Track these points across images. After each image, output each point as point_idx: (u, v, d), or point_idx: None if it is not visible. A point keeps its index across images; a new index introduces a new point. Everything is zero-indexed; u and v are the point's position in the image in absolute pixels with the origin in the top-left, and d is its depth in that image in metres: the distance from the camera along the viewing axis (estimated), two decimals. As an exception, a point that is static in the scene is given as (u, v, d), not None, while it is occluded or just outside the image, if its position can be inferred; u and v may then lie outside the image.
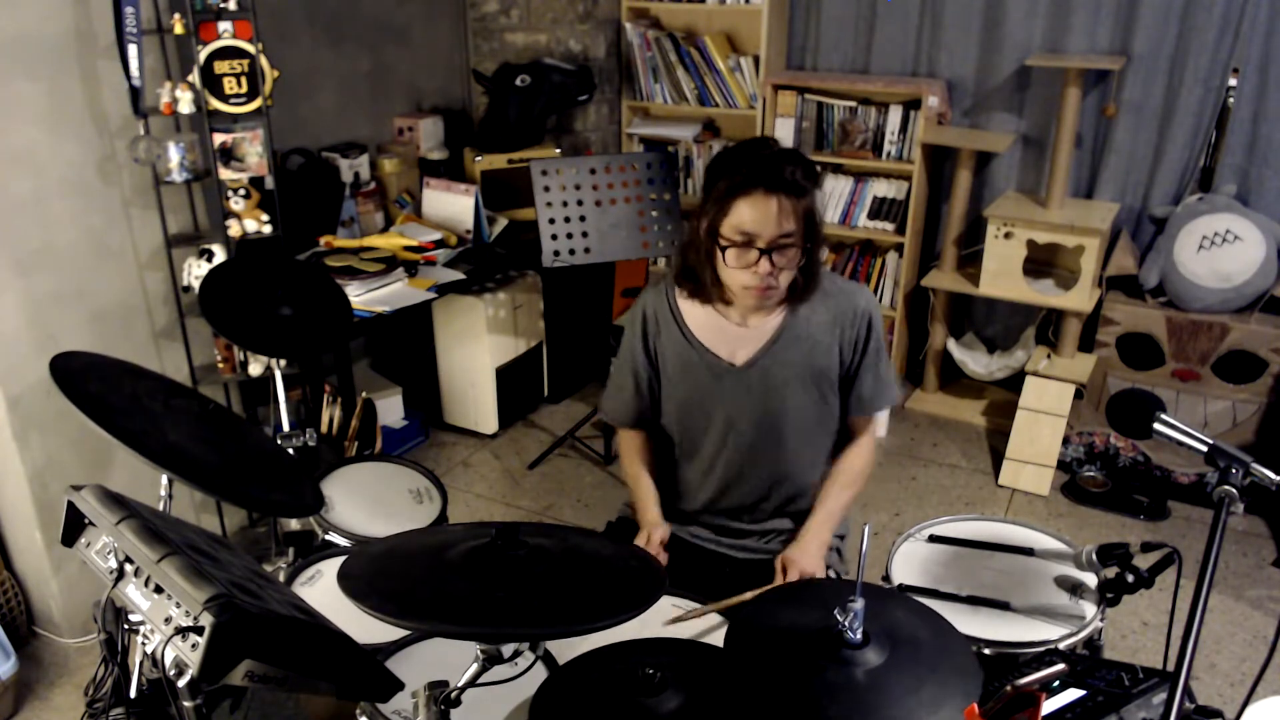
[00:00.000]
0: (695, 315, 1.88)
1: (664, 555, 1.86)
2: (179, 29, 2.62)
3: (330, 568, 1.86)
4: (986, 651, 1.55)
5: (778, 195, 1.66)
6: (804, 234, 1.70)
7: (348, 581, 1.17)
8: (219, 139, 2.74)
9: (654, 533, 1.88)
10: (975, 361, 3.87)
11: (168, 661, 1.07)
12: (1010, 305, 3.85)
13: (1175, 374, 3.43)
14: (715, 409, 1.86)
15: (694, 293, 1.85)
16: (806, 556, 1.80)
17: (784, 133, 3.92)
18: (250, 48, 2.70)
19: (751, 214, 1.66)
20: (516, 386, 3.83)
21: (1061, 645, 1.56)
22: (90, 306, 2.64)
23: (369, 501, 2.14)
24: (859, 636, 1.24)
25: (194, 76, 2.65)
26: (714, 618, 1.67)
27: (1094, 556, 1.66)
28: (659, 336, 1.90)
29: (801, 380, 1.83)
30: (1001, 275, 3.57)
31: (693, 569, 1.90)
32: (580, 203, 3.23)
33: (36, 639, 2.72)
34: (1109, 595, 1.62)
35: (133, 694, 1.54)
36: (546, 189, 3.22)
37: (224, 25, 2.66)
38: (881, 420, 3.81)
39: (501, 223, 3.74)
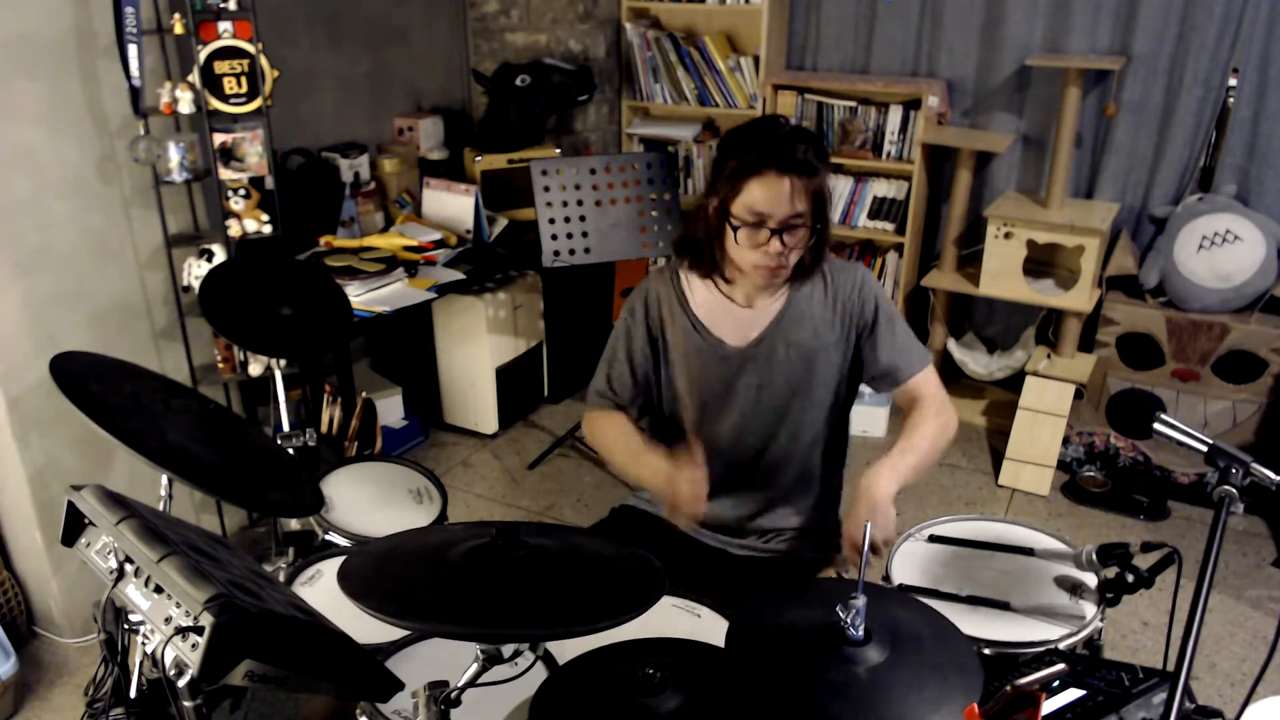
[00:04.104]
0: (700, 299, 1.88)
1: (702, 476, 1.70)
2: (179, 29, 2.62)
3: (330, 568, 1.86)
4: (986, 651, 1.55)
5: (790, 175, 1.66)
6: (814, 214, 1.71)
7: (348, 581, 1.17)
8: (219, 139, 2.74)
9: (682, 467, 1.70)
10: (975, 361, 3.87)
11: (168, 661, 1.07)
12: (1010, 305, 3.85)
13: (1175, 374, 3.43)
14: (719, 392, 1.86)
15: (695, 265, 1.85)
16: (878, 478, 1.65)
17: (784, 133, 3.92)
18: (250, 48, 2.70)
19: (764, 194, 1.67)
20: (516, 386, 3.82)
21: (1061, 645, 1.55)
22: (90, 306, 2.64)
23: (369, 502, 2.14)
24: (861, 634, 1.24)
25: (194, 76, 2.65)
26: (715, 618, 1.67)
27: (1094, 556, 1.66)
28: (664, 323, 1.89)
29: (805, 360, 1.84)
30: (1001, 275, 3.57)
31: (692, 567, 1.90)
32: (580, 203, 3.23)
33: (36, 639, 2.72)
34: (1109, 595, 1.62)
35: (133, 694, 1.54)
36: (546, 189, 3.22)
37: (224, 25, 2.66)
38: (880, 419, 3.81)
39: (501, 223, 3.74)
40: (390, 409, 3.63)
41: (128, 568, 1.15)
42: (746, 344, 1.85)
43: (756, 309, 1.85)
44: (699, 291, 1.88)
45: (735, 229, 1.71)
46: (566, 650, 1.42)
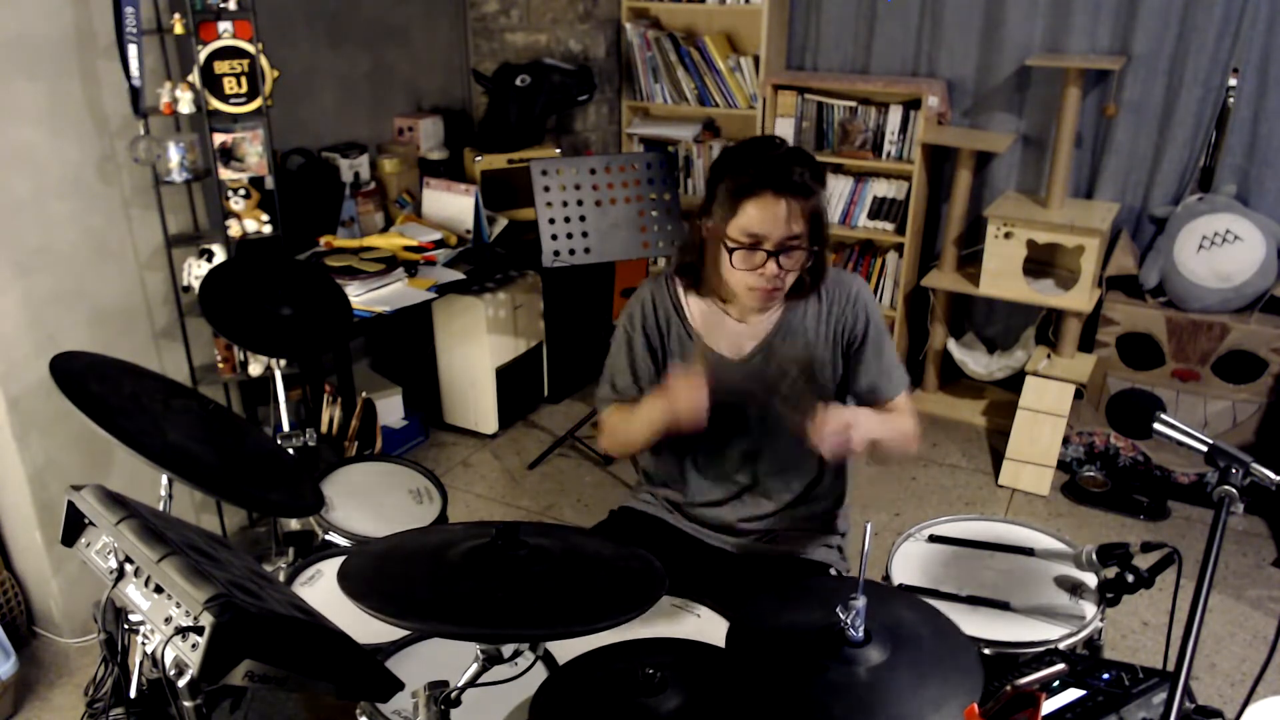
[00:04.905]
0: (696, 309, 1.88)
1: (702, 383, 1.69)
2: (179, 29, 2.62)
3: (330, 568, 1.86)
4: (986, 651, 1.55)
5: (786, 197, 1.64)
6: (810, 235, 1.70)
7: (348, 581, 1.17)
8: (219, 139, 2.74)
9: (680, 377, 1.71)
10: (975, 361, 3.87)
11: (168, 661, 1.07)
12: (1010, 305, 3.85)
13: (1175, 374, 3.43)
14: (715, 402, 1.86)
15: (693, 285, 1.85)
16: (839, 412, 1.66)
17: (784, 133, 3.92)
18: (250, 48, 2.70)
19: (760, 216, 1.65)
20: (516, 386, 3.82)
21: (1061, 645, 1.56)
22: (90, 306, 2.64)
23: (369, 501, 2.14)
24: (861, 635, 1.24)
25: (194, 76, 2.65)
26: (715, 618, 1.67)
27: (1094, 556, 1.66)
28: (661, 329, 1.89)
29: (800, 373, 1.84)
30: (1001, 275, 3.57)
31: (691, 566, 1.90)
32: (580, 203, 3.23)
33: (36, 639, 2.72)
34: (1109, 595, 1.62)
35: (133, 694, 1.54)
36: (546, 189, 3.22)
37: (224, 25, 2.65)
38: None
39: (501, 223, 3.74)
40: (390, 409, 3.63)
41: (128, 568, 1.15)
42: (741, 357, 1.85)
43: (750, 324, 1.85)
44: (694, 302, 1.88)
45: (731, 251, 1.69)
46: (566, 650, 1.42)
